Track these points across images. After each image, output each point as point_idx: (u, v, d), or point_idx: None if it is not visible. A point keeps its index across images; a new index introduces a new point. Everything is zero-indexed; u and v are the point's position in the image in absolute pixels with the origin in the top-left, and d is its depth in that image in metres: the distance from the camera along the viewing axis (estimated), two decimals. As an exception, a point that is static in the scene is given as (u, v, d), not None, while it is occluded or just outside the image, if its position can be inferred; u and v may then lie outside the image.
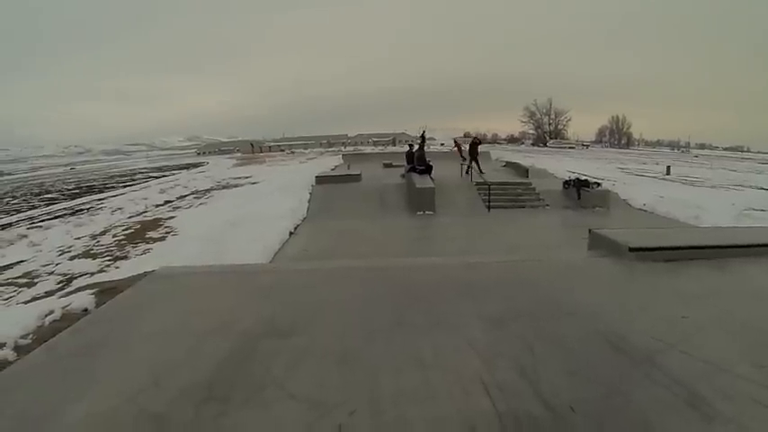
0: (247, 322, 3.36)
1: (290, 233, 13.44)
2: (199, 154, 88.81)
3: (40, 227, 16.11)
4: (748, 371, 2.60)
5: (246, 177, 28.78)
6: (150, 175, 41.26)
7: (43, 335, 5.12)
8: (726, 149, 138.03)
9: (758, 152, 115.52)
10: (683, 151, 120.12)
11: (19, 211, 23.09)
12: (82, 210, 19.92)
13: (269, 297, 4.03)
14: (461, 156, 27.10)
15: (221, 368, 2.72)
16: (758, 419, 2.20)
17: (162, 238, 12.64)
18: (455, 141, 36.75)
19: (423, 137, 29.28)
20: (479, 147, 24.00)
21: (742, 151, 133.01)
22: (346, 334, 3.16)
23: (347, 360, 2.79)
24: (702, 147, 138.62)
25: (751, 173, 46.34)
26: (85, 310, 6.10)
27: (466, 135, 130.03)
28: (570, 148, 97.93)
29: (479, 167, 21.92)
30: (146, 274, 4.92)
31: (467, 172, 22.26)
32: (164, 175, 38.27)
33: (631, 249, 5.00)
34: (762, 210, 18.63)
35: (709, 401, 2.31)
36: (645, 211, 17.71)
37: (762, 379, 2.51)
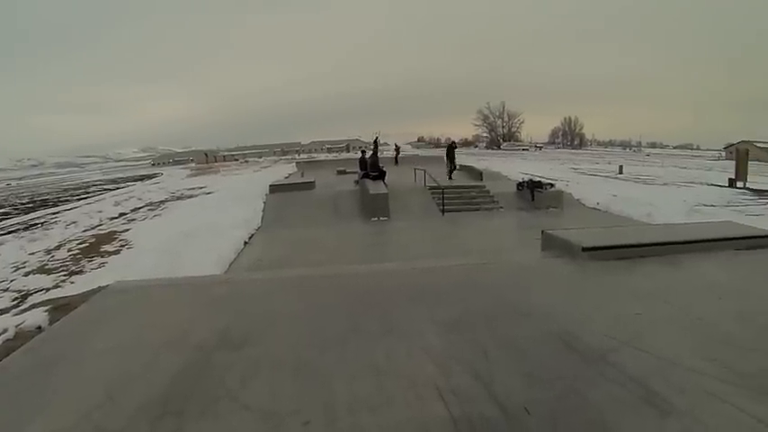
0: (202, 335, 3.32)
1: (245, 243, 13.32)
2: (153, 165, 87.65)
3: (-7, 243, 15.63)
4: (701, 365, 2.67)
5: (201, 188, 28.43)
6: (104, 187, 40.39)
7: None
8: (676, 148, 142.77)
9: (708, 149, 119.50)
10: (634, 150, 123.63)
11: (-30, 228, 22.33)
12: (36, 224, 19.37)
13: (223, 308, 4.00)
14: (396, 160, 27.82)
15: (176, 382, 2.68)
16: (712, 412, 2.26)
17: (117, 252, 12.35)
18: (395, 144, 38.40)
19: (376, 143, 29.41)
20: (455, 150, 24.67)
21: (692, 149, 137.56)
22: (300, 343, 3.14)
23: (301, 369, 2.77)
24: (654, 146, 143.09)
25: (701, 170, 47.91)
26: (39, 327, 6.00)
27: (419, 140, 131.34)
28: (524, 150, 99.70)
29: (452, 170, 22.55)
30: (100, 288, 4.81)
31: (450, 177, 22.71)
32: (118, 188, 37.52)
33: (584, 249, 5.11)
34: (711, 205, 19.27)
35: (663, 396, 2.36)
36: (598, 210, 18.09)
37: (714, 372, 2.58)
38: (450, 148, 24.19)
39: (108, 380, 2.74)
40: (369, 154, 22.17)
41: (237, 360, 2.91)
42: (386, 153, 38.94)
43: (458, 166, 22.97)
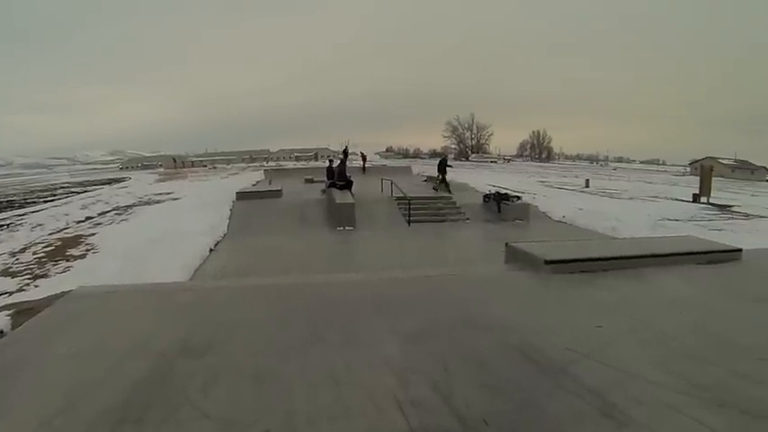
0: (164, 342, 3.30)
1: (211, 250, 13.44)
2: (122, 169, 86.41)
3: (-43, 244, 15.32)
4: (660, 377, 2.74)
5: (168, 193, 28.32)
6: (72, 190, 39.59)
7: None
8: (643, 163, 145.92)
9: (673, 165, 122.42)
10: (602, 165, 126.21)
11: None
12: (1, 226, 19.02)
13: (187, 316, 3.97)
14: (364, 168, 28.00)
15: (137, 389, 2.66)
16: (669, 423, 2.32)
17: (83, 256, 12.34)
18: (361, 153, 38.70)
19: (345, 152, 29.49)
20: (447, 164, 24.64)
21: (658, 164, 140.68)
22: (261, 352, 3.14)
23: (262, 378, 2.77)
24: (621, 160, 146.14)
25: (666, 185, 49.06)
26: (1, 332, 5.96)
27: (388, 150, 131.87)
28: (492, 162, 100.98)
29: (441, 181, 22.71)
30: (64, 293, 4.75)
31: (435, 188, 22.97)
32: (86, 191, 36.89)
33: (547, 262, 5.19)
34: (676, 219, 19.76)
35: (621, 409, 2.41)
36: (564, 223, 18.42)
37: (673, 384, 2.65)
38: (443, 161, 24.14)
39: (69, 386, 2.70)
40: (336, 163, 22.16)
41: (199, 368, 2.89)
42: (354, 163, 39.16)
43: (448, 182, 22.92)
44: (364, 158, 39.12)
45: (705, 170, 32.41)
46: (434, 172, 26.40)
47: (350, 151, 41.36)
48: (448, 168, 24.12)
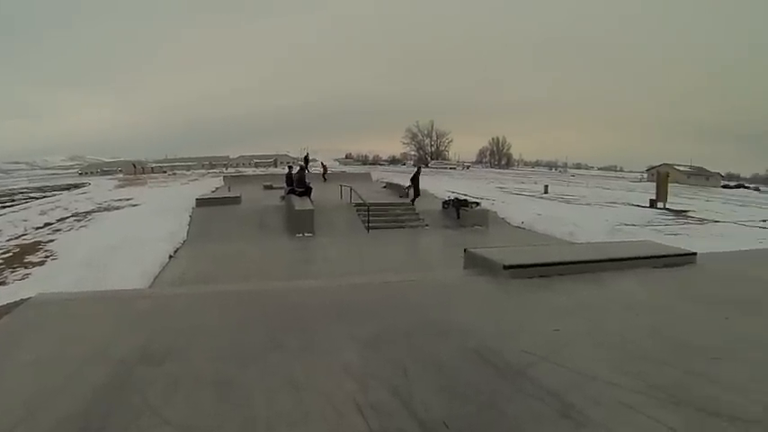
0: (124, 349, 3.23)
1: (170, 257, 13.36)
2: (81, 174, 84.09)
3: None
4: (616, 378, 2.80)
5: (128, 199, 27.82)
6: (31, 195, 38.60)
7: None
8: (601, 169, 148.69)
9: (630, 171, 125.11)
10: (560, 171, 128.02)
11: None
12: None
13: (146, 323, 3.91)
14: (324, 177, 27.94)
15: (97, 397, 2.60)
16: (626, 422, 2.37)
17: (41, 263, 12.14)
18: (322, 163, 38.94)
19: (306, 159, 29.40)
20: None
21: (616, 171, 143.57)
22: (221, 358, 3.11)
23: (222, 385, 2.74)
24: (579, 167, 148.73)
25: (623, 191, 50.12)
26: None
27: (347, 156, 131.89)
28: (451, 168, 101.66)
29: (414, 193, 22.38)
30: (23, 300, 4.64)
31: (403, 197, 22.80)
32: (45, 196, 35.90)
33: (506, 267, 5.24)
34: (633, 225, 20.21)
35: (579, 409, 2.45)
36: (523, 228, 18.68)
37: (630, 385, 2.71)
38: (418, 172, 23.81)
39: (29, 394, 2.64)
40: (296, 170, 22.08)
41: (159, 375, 2.85)
42: (314, 170, 39.14)
43: (420, 193, 22.63)
44: (325, 168, 39.04)
45: (661, 176, 33.24)
46: (393, 178, 26.43)
47: (311, 158, 41.44)
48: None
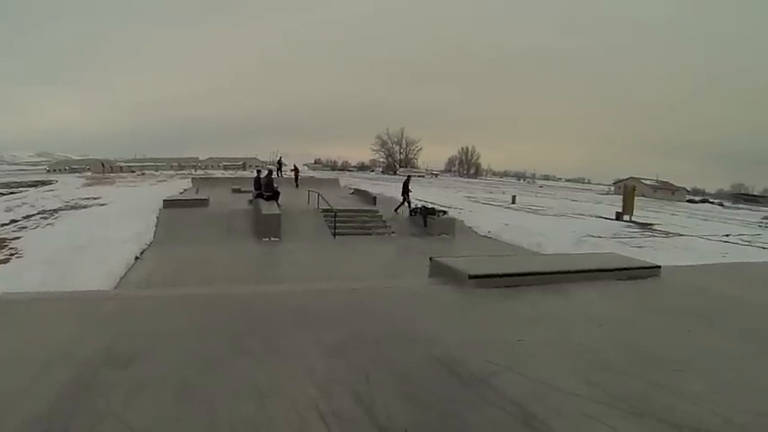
0: (88, 351, 3.17)
1: (136, 258, 13.29)
2: (49, 171, 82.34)
3: None
4: (579, 388, 2.84)
5: (96, 198, 27.46)
6: None
7: None
8: (569, 181, 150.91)
9: (598, 184, 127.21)
10: (528, 182, 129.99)
11: None
12: None
13: (111, 325, 3.84)
14: (296, 182, 27.70)
15: (60, 400, 2.55)
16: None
17: (6, 260, 11.96)
18: (294, 166, 38.41)
19: (280, 162, 29.12)
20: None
21: (583, 183, 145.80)
22: (185, 363, 3.07)
23: (185, 389, 2.71)
24: (547, 178, 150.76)
25: (590, 203, 50.94)
26: None
27: (317, 161, 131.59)
28: (420, 176, 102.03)
29: (402, 204, 22.16)
30: None
31: (396, 210, 22.28)
32: (11, 192, 35.17)
33: (471, 277, 5.28)
34: (599, 236, 20.51)
35: (542, 419, 2.48)
36: (490, 237, 18.85)
37: (591, 395, 2.75)
38: (408, 180, 23.72)
39: None
40: (264, 173, 21.99)
41: (123, 378, 2.80)
42: (286, 174, 38.93)
43: (411, 204, 22.30)
44: (296, 171, 38.31)
45: (628, 190, 33.89)
46: (361, 185, 26.29)
47: (284, 162, 41.04)
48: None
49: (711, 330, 4.18)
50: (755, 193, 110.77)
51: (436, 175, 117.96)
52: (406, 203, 22.26)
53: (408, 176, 26.33)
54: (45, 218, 19.89)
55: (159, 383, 2.79)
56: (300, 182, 34.15)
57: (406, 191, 22.72)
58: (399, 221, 20.00)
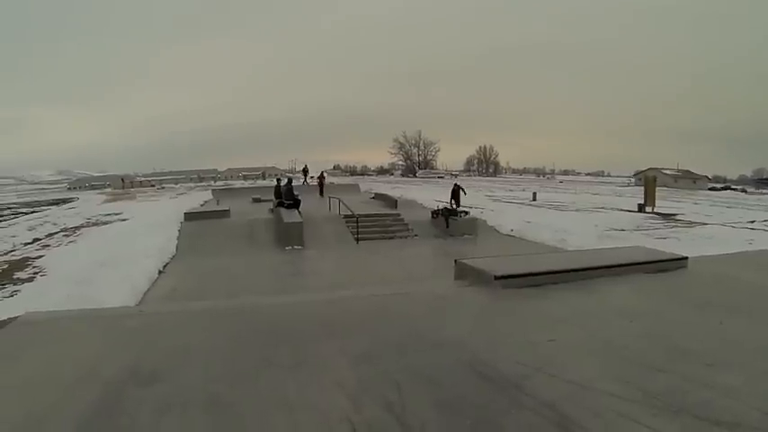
0: (113, 369, 3.18)
1: (159, 272, 13.25)
2: (70, 189, 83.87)
3: None
4: (612, 387, 2.79)
5: (117, 214, 27.95)
6: (19, 210, 38.34)
7: None
8: (588, 174, 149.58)
9: (618, 176, 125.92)
10: (548, 177, 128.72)
11: None
12: None
13: (135, 341, 3.86)
14: (321, 191, 27.42)
15: (87, 420, 2.56)
16: (625, 433, 2.36)
17: (30, 279, 12.09)
18: (322, 174, 38.04)
19: (305, 170, 29.02)
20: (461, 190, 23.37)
21: (603, 176, 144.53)
22: (212, 378, 3.06)
23: (212, 405, 2.70)
24: (566, 173, 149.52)
25: (611, 196, 50.37)
26: None
27: (335, 168, 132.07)
28: (439, 177, 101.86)
29: (451, 213, 21.16)
30: (11, 319, 4.59)
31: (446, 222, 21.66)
32: (33, 211, 35.76)
33: (497, 278, 5.24)
34: (622, 229, 20.32)
35: (576, 421, 2.44)
36: (513, 236, 18.66)
37: (625, 393, 2.70)
38: (457, 188, 23.14)
39: (17, 418, 2.60)
40: (284, 182, 22.01)
41: (149, 396, 2.81)
42: (312, 182, 38.90)
43: (463, 212, 21.34)
44: (322, 179, 35.73)
45: (649, 180, 33.50)
46: (381, 189, 26.07)
47: (308, 169, 40.95)
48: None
49: (743, 321, 4.11)
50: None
51: (455, 175, 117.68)
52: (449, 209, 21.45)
53: (456, 184, 25.37)
54: (67, 235, 20.15)
55: (186, 400, 2.78)
56: (314, 188, 33.58)
57: (455, 197, 22.34)
58: (422, 224, 19.91)
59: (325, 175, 38.50)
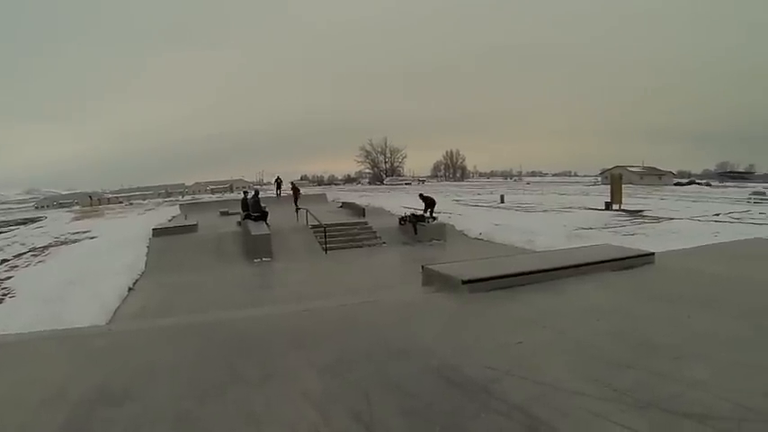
0: (82, 390, 3.11)
1: (129, 289, 13.37)
2: (37, 208, 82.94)
3: None
4: (582, 386, 2.80)
5: (85, 232, 28.08)
6: None
7: None
8: (555, 175, 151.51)
9: (585, 176, 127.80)
10: (515, 180, 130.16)
11: None
12: None
13: (104, 361, 3.78)
14: (296, 203, 27.39)
15: None
16: (595, 431, 2.38)
17: None
18: (292, 183, 38.00)
19: (278, 182, 29.02)
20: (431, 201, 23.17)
21: (570, 176, 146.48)
22: (180, 395, 3.01)
23: (181, 422, 2.66)
24: (534, 174, 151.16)
25: (578, 195, 51.07)
26: None
27: (302, 178, 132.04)
28: (407, 184, 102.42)
29: (421, 219, 21.46)
30: None
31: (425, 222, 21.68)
32: (1, 232, 35.42)
33: (464, 282, 5.24)
34: (590, 228, 20.61)
35: (546, 421, 2.44)
36: (481, 240, 18.86)
37: (595, 392, 2.71)
38: (426, 198, 23.08)
39: None
40: (251, 194, 22.06)
41: (117, 416, 2.75)
42: (268, 192, 38.76)
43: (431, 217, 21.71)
44: (296, 191, 33.59)
45: (615, 178, 34.07)
46: (349, 197, 26.13)
47: (264, 181, 40.98)
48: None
49: (710, 314, 4.16)
50: (741, 170, 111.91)
51: (423, 181, 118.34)
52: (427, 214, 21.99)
53: (420, 194, 25.40)
54: (36, 255, 20.20)
55: (155, 419, 2.74)
56: (288, 199, 33.24)
57: (428, 204, 22.52)
58: (390, 231, 20.00)
59: (298, 186, 38.15)
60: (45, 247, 22.37)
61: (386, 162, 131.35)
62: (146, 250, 18.03)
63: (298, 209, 24.33)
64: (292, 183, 39.23)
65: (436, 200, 23.22)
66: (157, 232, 20.67)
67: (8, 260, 19.30)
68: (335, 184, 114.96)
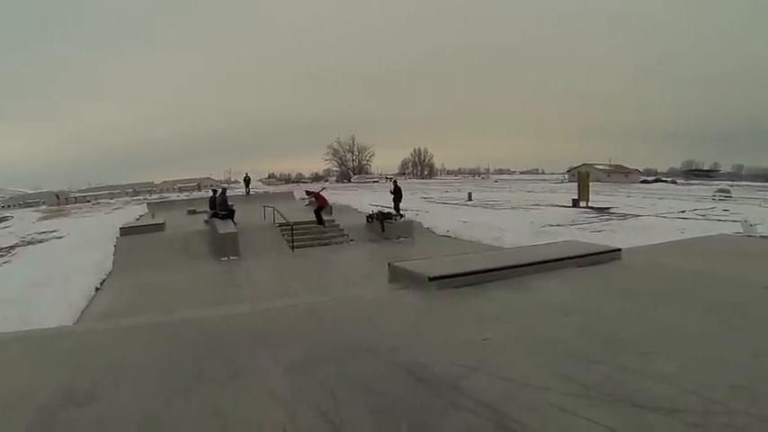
0: (46, 393, 3.04)
1: (97, 289, 13.13)
2: (3, 207, 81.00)
3: None
4: (549, 382, 2.82)
5: (52, 231, 27.50)
6: None
7: None
8: (523, 173, 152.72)
9: (552, 173, 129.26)
10: (483, 177, 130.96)
11: None
12: None
13: (69, 363, 3.71)
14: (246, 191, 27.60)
15: None
16: (563, 426, 2.39)
17: None
18: (246, 176, 38.41)
19: (246, 179, 29.15)
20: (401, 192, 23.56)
21: (538, 173, 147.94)
22: (146, 396, 2.97)
23: (146, 423, 2.62)
24: (501, 172, 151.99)
25: (546, 192, 51.62)
26: None
27: (270, 176, 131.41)
28: (374, 182, 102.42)
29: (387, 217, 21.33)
30: None
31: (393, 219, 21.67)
32: None
33: (431, 279, 5.25)
34: (558, 225, 20.82)
35: (515, 418, 2.45)
36: (449, 237, 18.90)
37: (562, 387, 2.73)
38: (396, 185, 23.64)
39: None
40: (219, 192, 21.90)
41: (83, 417, 2.71)
42: (237, 191, 38.86)
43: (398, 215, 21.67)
44: (247, 181, 39.39)
45: (582, 176, 34.56)
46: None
47: (232, 179, 41.39)
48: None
49: (676, 308, 4.24)
50: (706, 168, 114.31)
51: (390, 178, 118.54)
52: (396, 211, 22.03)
53: (395, 180, 25.80)
54: (1, 255, 19.82)
55: (120, 420, 2.70)
56: (255, 197, 34.51)
57: (397, 196, 22.70)
58: (357, 229, 19.98)
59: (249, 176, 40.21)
60: (11, 248, 22.04)
61: (353, 160, 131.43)
62: (113, 249, 17.76)
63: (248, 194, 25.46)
64: (246, 174, 41.28)
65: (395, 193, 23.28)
66: (125, 231, 20.39)
67: (-27, 261, 18.87)
68: (303, 182, 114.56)
